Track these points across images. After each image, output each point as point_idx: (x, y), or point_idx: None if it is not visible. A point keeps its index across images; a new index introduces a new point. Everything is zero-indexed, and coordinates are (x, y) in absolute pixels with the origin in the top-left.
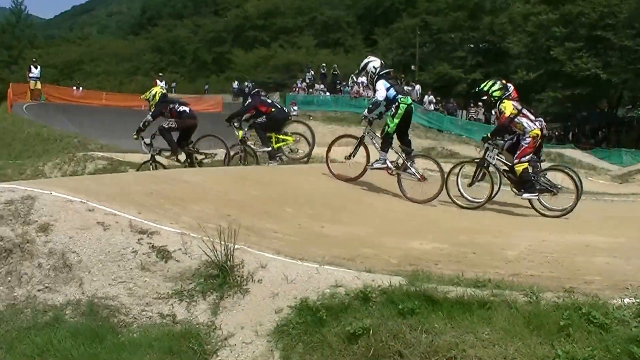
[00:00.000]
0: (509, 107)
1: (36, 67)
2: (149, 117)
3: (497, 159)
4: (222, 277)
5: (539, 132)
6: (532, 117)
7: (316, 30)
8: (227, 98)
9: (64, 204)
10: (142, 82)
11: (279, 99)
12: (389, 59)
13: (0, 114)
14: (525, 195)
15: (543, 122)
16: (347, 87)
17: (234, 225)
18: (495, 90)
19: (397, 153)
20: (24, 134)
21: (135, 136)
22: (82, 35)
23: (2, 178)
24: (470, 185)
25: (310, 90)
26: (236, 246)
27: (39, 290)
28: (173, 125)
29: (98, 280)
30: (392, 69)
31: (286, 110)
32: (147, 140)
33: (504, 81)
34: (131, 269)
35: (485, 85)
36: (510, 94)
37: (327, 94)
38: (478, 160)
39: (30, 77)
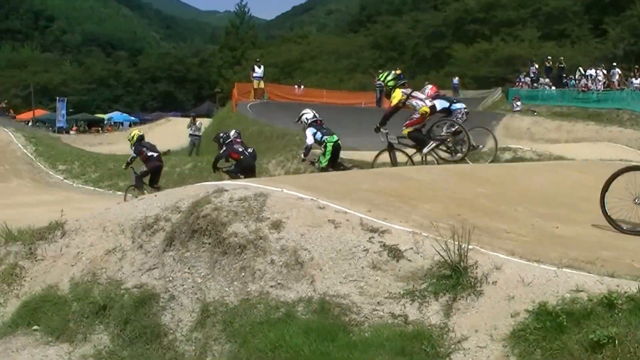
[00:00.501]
0: (397, 95)
1: (259, 67)
2: (132, 154)
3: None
4: (455, 278)
5: (428, 110)
6: (422, 97)
7: (540, 22)
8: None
9: (295, 202)
10: (360, 79)
11: (501, 93)
12: (620, 49)
13: (226, 113)
14: (425, 150)
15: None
16: (573, 81)
17: (465, 225)
18: (390, 80)
19: None
20: (248, 132)
21: (124, 167)
22: (302, 34)
23: None
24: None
25: (535, 84)
26: (469, 246)
27: (271, 287)
28: (144, 170)
29: (329, 278)
30: (320, 119)
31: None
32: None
33: (398, 71)
34: (362, 267)
35: (382, 76)
36: (403, 82)
37: (552, 88)
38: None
39: (254, 77)
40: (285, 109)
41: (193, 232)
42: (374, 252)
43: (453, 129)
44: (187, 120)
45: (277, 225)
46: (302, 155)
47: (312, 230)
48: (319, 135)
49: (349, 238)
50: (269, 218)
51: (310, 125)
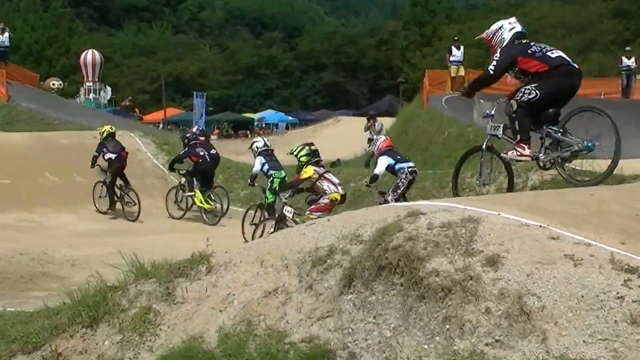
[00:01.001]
0: (309, 172)
1: (458, 48)
2: (95, 152)
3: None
4: None
5: (339, 198)
6: (335, 181)
7: None
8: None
9: (517, 229)
10: (598, 60)
11: None
12: None
13: (414, 110)
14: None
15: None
16: None
17: None
18: (303, 156)
19: None
20: (444, 135)
21: (90, 166)
22: (516, 2)
23: (420, 192)
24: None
25: None
26: None
27: (487, 344)
28: (108, 178)
29: (568, 335)
30: (271, 149)
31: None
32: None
33: (313, 147)
34: (616, 322)
35: (294, 150)
36: (317, 160)
37: None
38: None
39: (451, 62)
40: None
41: (380, 269)
42: (633, 301)
43: (398, 192)
44: (363, 120)
45: (493, 262)
46: (249, 183)
47: (543, 268)
48: (266, 167)
49: (596, 280)
50: (482, 251)
51: (260, 154)
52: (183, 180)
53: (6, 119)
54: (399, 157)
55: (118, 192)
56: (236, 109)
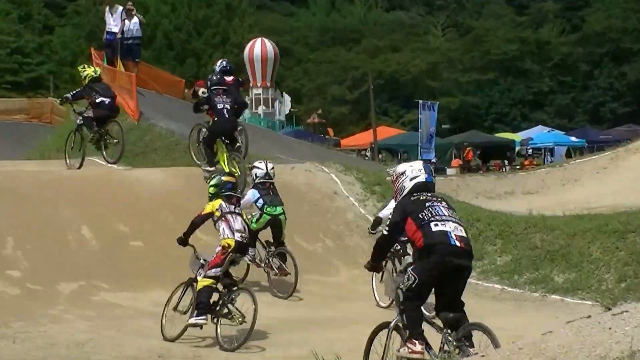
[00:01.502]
0: (210, 207)
1: None
2: (69, 95)
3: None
4: None
5: (232, 244)
6: (235, 226)
7: None
8: None
9: None
10: None
11: None
12: None
13: None
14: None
15: None
16: None
17: None
18: (211, 186)
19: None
20: None
21: (59, 101)
22: None
23: None
24: None
25: None
26: None
27: None
28: (90, 115)
29: None
30: (271, 181)
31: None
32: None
33: (225, 178)
34: None
35: (209, 179)
36: (230, 195)
37: None
38: None
39: None
40: None
41: None
42: None
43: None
44: None
45: None
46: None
47: None
48: (260, 202)
49: None
50: None
51: (255, 186)
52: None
53: (137, 147)
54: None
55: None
56: (486, 126)
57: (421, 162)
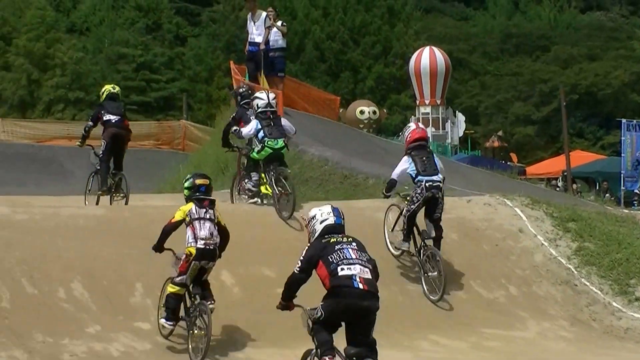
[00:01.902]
0: (180, 213)
1: None
2: (89, 122)
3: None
4: None
5: (194, 252)
6: (201, 233)
7: None
8: None
9: None
10: None
11: None
12: None
13: None
14: (161, 321)
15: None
16: None
17: None
18: (185, 188)
19: None
20: None
21: (78, 143)
22: None
23: None
24: None
25: None
26: None
27: None
28: (103, 144)
29: None
30: (273, 110)
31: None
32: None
33: (199, 180)
34: None
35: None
36: (202, 198)
37: None
38: None
39: None
40: None
41: None
42: None
43: (411, 209)
44: None
45: None
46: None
47: None
48: (261, 133)
49: None
50: None
51: (257, 116)
52: None
53: None
54: (424, 165)
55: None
56: None
57: (330, 205)
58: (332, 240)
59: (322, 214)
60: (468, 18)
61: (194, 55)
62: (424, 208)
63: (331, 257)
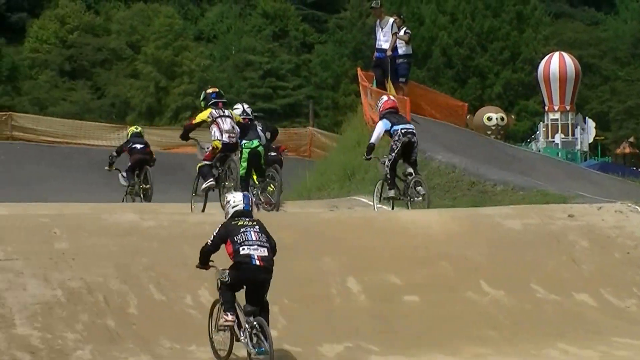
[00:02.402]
0: (202, 115)
1: None
2: (113, 152)
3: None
4: None
5: (219, 145)
6: (226, 127)
7: None
8: None
9: None
10: None
11: None
12: None
13: None
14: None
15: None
16: None
17: None
18: (201, 101)
19: None
20: None
21: (107, 168)
22: None
23: None
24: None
25: None
26: None
27: None
28: (128, 165)
29: None
30: (249, 117)
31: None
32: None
33: (210, 90)
34: None
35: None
36: (215, 102)
37: None
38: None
39: None
40: None
41: None
42: None
43: (392, 156)
44: None
45: None
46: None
47: None
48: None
49: None
50: None
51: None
52: None
53: None
54: (397, 119)
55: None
56: None
57: (242, 193)
58: (239, 223)
59: (234, 200)
60: (599, 22)
61: (321, 62)
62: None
63: (236, 238)
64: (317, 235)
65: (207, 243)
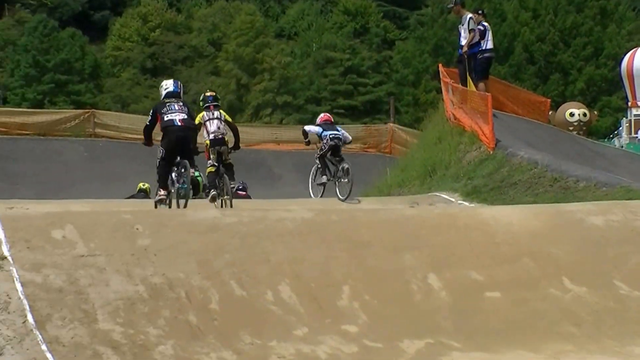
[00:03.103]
0: (198, 118)
1: None
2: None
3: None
4: None
5: (208, 142)
6: (212, 129)
7: None
8: None
9: None
10: None
11: None
12: None
13: None
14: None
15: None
16: None
17: None
18: (201, 102)
19: None
20: None
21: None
22: None
23: None
24: None
25: None
26: None
27: None
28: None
29: None
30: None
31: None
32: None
33: (207, 93)
34: None
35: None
36: (208, 105)
37: None
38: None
39: None
40: None
41: None
42: None
43: (319, 153)
44: None
45: None
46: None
47: None
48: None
49: None
50: None
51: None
52: None
53: (492, 181)
54: (328, 127)
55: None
56: None
57: (172, 79)
58: (167, 101)
59: (166, 84)
60: None
61: (401, 59)
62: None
63: (163, 110)
64: (397, 232)
65: (145, 123)
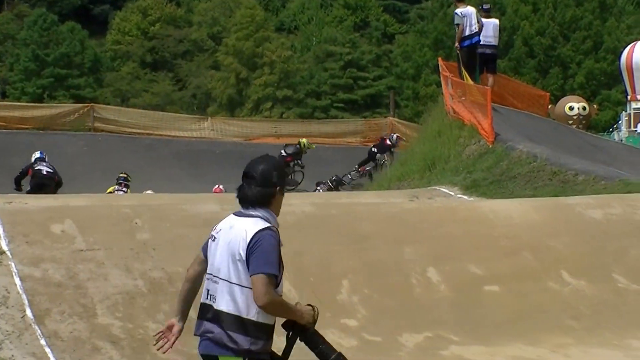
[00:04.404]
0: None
1: None
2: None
3: None
4: None
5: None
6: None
7: None
8: None
9: None
10: None
11: None
12: None
13: None
14: None
15: None
16: None
17: None
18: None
19: None
20: None
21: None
22: None
23: None
24: None
25: None
26: None
27: None
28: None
29: None
30: None
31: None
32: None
33: (121, 174)
34: None
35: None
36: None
37: None
38: None
39: None
40: None
41: None
42: None
43: None
44: None
45: None
46: None
47: None
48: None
49: None
50: None
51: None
52: None
53: (492, 175)
54: None
55: None
56: None
57: (39, 152)
58: (35, 158)
59: (36, 153)
60: None
61: (402, 53)
62: None
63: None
64: (397, 225)
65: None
